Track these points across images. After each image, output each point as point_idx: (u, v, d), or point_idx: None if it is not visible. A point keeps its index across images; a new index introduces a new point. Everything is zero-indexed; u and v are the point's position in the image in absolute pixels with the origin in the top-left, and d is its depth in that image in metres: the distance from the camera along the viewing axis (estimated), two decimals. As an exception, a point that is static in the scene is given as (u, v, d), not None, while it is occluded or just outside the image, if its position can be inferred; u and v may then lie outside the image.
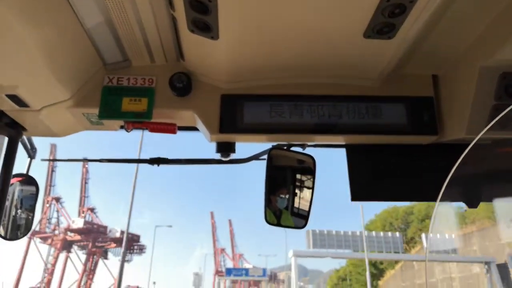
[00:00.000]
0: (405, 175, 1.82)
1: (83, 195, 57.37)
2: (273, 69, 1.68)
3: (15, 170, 1.82)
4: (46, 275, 51.51)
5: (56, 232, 53.60)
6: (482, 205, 1.74)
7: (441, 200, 1.17)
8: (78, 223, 52.88)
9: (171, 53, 1.73)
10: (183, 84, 1.70)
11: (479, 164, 1.51)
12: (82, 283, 53.22)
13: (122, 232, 56.49)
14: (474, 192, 1.73)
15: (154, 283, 57.31)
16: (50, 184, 54.15)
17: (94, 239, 54.33)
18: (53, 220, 54.21)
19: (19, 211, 1.97)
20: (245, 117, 1.71)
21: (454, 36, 1.55)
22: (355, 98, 1.74)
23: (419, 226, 46.81)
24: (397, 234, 40.61)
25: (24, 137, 1.94)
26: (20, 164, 1.90)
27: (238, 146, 1.83)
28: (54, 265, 52.31)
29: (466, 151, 1.14)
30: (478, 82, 1.53)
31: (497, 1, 1.36)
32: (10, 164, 1.77)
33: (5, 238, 1.91)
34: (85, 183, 57.59)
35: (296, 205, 1.76)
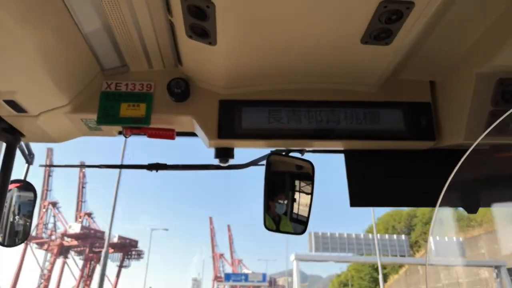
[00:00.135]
0: (403, 181, 1.83)
1: (80, 200, 57.20)
2: (271, 75, 1.70)
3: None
4: (42, 281, 51.23)
5: (53, 237, 53.37)
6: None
7: (440, 205, 1.18)
8: (75, 228, 52.68)
9: (169, 58, 1.74)
10: (181, 90, 1.71)
11: (478, 170, 1.53)
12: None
13: (120, 238, 56.38)
14: (473, 197, 1.74)
15: None
16: (46, 188, 54.01)
17: (91, 245, 54.10)
18: (50, 225, 54.03)
19: (17, 217, 1.97)
20: (243, 122, 1.72)
21: (451, 42, 1.56)
22: (353, 103, 1.75)
23: (423, 229, 46.31)
24: (403, 237, 39.70)
25: (22, 143, 1.95)
26: (17, 170, 1.91)
27: (237, 151, 1.83)
28: (50, 270, 52.04)
29: (465, 156, 1.14)
30: (475, 88, 1.55)
31: (493, 7, 1.38)
32: (8, 170, 1.77)
33: (2, 244, 1.91)
34: (82, 187, 57.45)
35: (295, 210, 1.76)
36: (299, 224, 1.75)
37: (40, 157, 2.14)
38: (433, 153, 1.80)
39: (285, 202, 1.76)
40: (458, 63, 1.64)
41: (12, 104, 1.57)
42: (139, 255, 59.02)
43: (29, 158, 2.05)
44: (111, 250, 56.06)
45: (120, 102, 1.72)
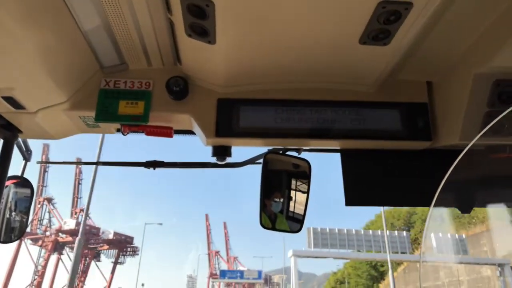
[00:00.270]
0: (399, 180, 1.86)
1: (76, 196, 57.07)
2: (269, 74, 1.71)
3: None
4: (36, 277, 51.12)
5: (48, 233, 53.24)
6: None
7: (435, 205, 1.20)
8: (70, 224, 52.56)
9: (168, 57, 1.75)
10: (179, 88, 1.72)
11: (472, 170, 1.54)
12: (74, 286, 52.90)
13: (115, 234, 56.33)
14: (467, 197, 1.77)
15: (143, 285, 57.00)
16: (42, 184, 53.82)
17: (86, 241, 54.01)
18: (45, 221, 53.89)
19: (13, 213, 1.98)
20: (241, 121, 1.74)
21: (449, 43, 1.58)
22: (351, 103, 1.77)
23: (422, 227, 45.46)
24: (404, 233, 38.85)
25: (20, 140, 1.96)
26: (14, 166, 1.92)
27: (234, 150, 1.85)
28: (44, 267, 51.93)
29: (460, 157, 1.16)
30: (472, 88, 1.57)
31: (491, 8, 1.39)
32: (5, 166, 1.78)
33: None
34: (79, 184, 57.30)
35: (291, 209, 1.78)
36: (295, 222, 1.77)
37: (35, 152, 2.15)
38: (429, 153, 1.82)
39: (282, 200, 1.78)
40: (456, 64, 1.66)
41: (10, 100, 1.58)
42: (135, 251, 59.03)
43: (26, 154, 2.06)
44: (106, 247, 56.09)
45: (118, 99, 1.73)
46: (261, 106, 1.76)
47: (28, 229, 50.89)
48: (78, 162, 2.38)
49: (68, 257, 55.28)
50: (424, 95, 1.81)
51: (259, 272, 55.19)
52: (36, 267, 52.06)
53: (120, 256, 58.25)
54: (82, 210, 55.52)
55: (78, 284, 53.23)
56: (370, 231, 40.41)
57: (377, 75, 1.70)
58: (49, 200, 54.22)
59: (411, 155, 1.83)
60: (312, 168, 1.81)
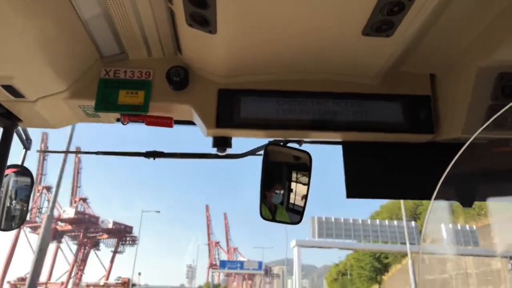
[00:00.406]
0: (400, 173, 1.87)
1: (76, 185, 57.42)
2: (271, 65, 1.72)
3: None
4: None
5: (47, 221, 53.59)
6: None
7: (436, 198, 1.21)
8: (69, 213, 52.98)
9: (168, 46, 1.76)
10: (180, 78, 1.72)
11: (474, 164, 1.56)
12: (73, 274, 53.44)
13: (114, 223, 56.75)
14: (468, 191, 1.78)
15: (140, 273, 57.54)
16: (41, 173, 54.12)
17: (86, 230, 54.47)
18: (44, 210, 54.23)
19: (13, 202, 2.01)
20: (242, 112, 1.74)
21: (453, 36, 1.58)
22: (353, 95, 1.78)
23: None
24: (413, 223, 37.73)
25: (19, 128, 1.97)
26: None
27: (235, 141, 1.86)
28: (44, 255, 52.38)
29: (462, 150, 1.17)
30: (475, 82, 1.57)
31: (496, 1, 1.39)
32: (4, 155, 1.80)
33: None
34: (78, 173, 57.60)
35: (291, 200, 1.80)
36: (295, 214, 1.79)
37: (34, 141, 2.17)
38: (431, 146, 1.83)
39: (282, 192, 1.80)
40: (460, 57, 1.66)
41: (10, 89, 1.59)
42: (134, 241, 59.54)
43: (26, 143, 2.08)
44: (105, 236, 56.57)
45: (118, 89, 1.74)
46: (262, 97, 1.77)
47: (27, 217, 51.25)
48: (78, 152, 2.39)
49: (67, 246, 55.84)
50: (427, 87, 1.81)
51: (260, 263, 55.53)
52: (35, 255, 52.55)
53: (120, 245, 58.80)
54: (81, 199, 55.98)
55: (77, 273, 53.82)
56: (377, 221, 39.72)
57: (379, 67, 1.70)
58: (48, 189, 54.53)
59: (413, 148, 1.83)
60: (313, 160, 1.82)
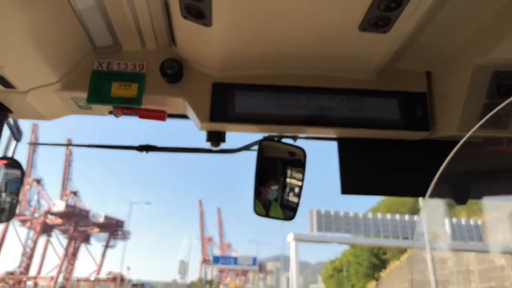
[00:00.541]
0: (395, 170, 1.89)
1: (66, 178, 57.14)
2: (266, 59, 1.72)
3: None
4: (24, 259, 51.48)
5: (36, 215, 53.44)
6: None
7: (430, 196, 1.23)
8: (59, 206, 52.75)
9: (163, 38, 1.75)
10: (174, 71, 1.72)
11: (469, 162, 1.58)
12: (63, 269, 53.37)
13: (106, 217, 56.64)
14: (463, 189, 1.81)
15: (128, 268, 57.57)
16: (31, 165, 53.77)
17: (76, 223, 54.31)
18: (33, 203, 54.04)
19: (3, 195, 2.00)
20: (236, 106, 1.75)
21: (450, 33, 1.59)
22: (348, 91, 1.79)
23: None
24: (415, 217, 37.22)
25: (10, 119, 1.97)
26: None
27: (229, 136, 1.87)
28: (33, 249, 52.26)
29: (456, 148, 1.19)
30: (471, 80, 1.59)
31: None
32: None
33: None
34: (69, 165, 57.30)
35: (285, 196, 1.82)
36: (289, 210, 1.81)
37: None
38: (426, 143, 1.85)
39: (276, 188, 1.81)
40: (456, 55, 1.68)
41: (1, 79, 1.58)
42: (126, 235, 59.53)
43: (17, 135, 2.07)
44: (96, 230, 56.47)
45: (111, 81, 1.74)
46: (257, 91, 1.77)
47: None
48: (69, 144, 2.38)
49: (57, 240, 55.67)
50: (423, 85, 1.83)
51: (254, 259, 55.62)
52: (24, 249, 52.38)
53: (111, 239, 58.76)
54: (72, 192, 55.76)
55: (67, 267, 53.74)
56: (379, 215, 38.96)
57: (376, 63, 1.72)
58: (38, 181, 54.27)
59: (408, 145, 1.85)
60: (307, 156, 1.84)
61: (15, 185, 2.03)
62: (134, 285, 50.11)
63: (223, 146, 1.88)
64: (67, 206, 53.40)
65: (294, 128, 1.79)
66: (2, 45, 1.43)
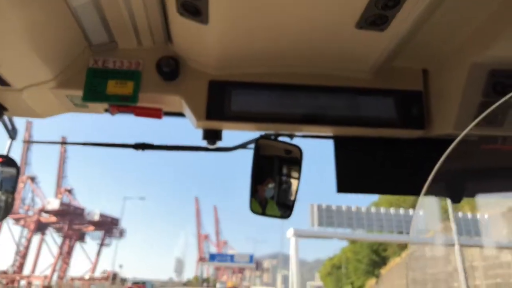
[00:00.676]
0: (391, 168, 1.90)
1: (61, 176, 56.96)
2: (263, 57, 1.73)
3: None
4: (18, 258, 51.35)
5: (30, 213, 53.30)
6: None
7: (425, 194, 1.24)
8: (54, 204, 52.63)
9: (159, 35, 1.76)
10: (170, 69, 1.73)
11: (464, 160, 1.59)
12: (57, 267, 53.29)
13: (101, 215, 56.55)
14: (458, 187, 1.83)
15: (121, 266, 57.53)
16: (25, 162, 53.54)
17: (71, 221, 54.21)
18: (28, 201, 53.87)
19: None
20: (233, 104, 1.76)
21: (447, 31, 1.61)
22: (345, 89, 1.80)
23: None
24: (421, 212, 36.56)
25: (5, 117, 1.97)
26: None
27: (225, 134, 1.88)
28: (27, 247, 52.12)
29: (452, 146, 1.20)
30: (467, 78, 1.60)
31: None
32: None
33: None
34: (63, 162, 57.12)
35: (282, 194, 1.84)
36: (285, 208, 1.83)
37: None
38: (423, 142, 1.86)
39: (272, 186, 1.83)
40: (453, 53, 1.69)
41: None
42: (121, 233, 59.48)
43: (12, 133, 2.07)
44: (91, 228, 56.41)
45: (107, 79, 1.74)
46: (254, 89, 1.78)
47: (9, 208, 50.59)
48: (64, 142, 2.39)
49: (52, 238, 55.52)
50: (419, 83, 1.84)
51: (251, 256, 55.53)
52: (17, 247, 52.23)
53: (106, 237, 58.70)
54: (67, 190, 55.64)
55: (62, 266, 53.65)
56: (382, 209, 38.11)
57: (373, 61, 1.73)
58: (32, 179, 54.09)
59: (404, 144, 1.87)
60: (303, 154, 1.85)
61: (10, 184, 2.03)
62: (135, 283, 50.16)
63: (219, 144, 1.89)
64: (62, 204, 53.28)
65: (290, 126, 1.80)
66: None
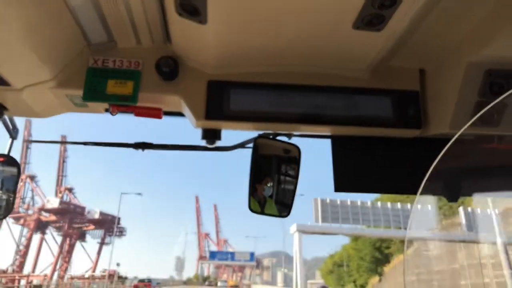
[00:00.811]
0: (388, 168, 1.92)
1: (61, 174, 57.00)
2: (261, 57, 1.75)
3: None
4: (18, 257, 51.40)
5: (30, 211, 53.35)
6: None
7: (422, 193, 1.26)
8: (53, 203, 52.66)
9: (158, 35, 1.77)
10: (169, 69, 1.74)
11: (460, 159, 1.61)
12: (58, 266, 53.37)
13: (101, 214, 56.57)
14: (454, 186, 1.84)
15: (118, 264, 57.67)
16: (24, 161, 53.57)
17: (71, 220, 54.26)
18: (27, 200, 53.92)
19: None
20: (231, 104, 1.77)
21: (443, 31, 1.62)
22: (343, 89, 1.82)
23: (438, 204, 42.45)
24: (429, 206, 34.83)
25: (6, 117, 1.99)
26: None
27: (224, 133, 1.90)
28: (27, 246, 52.17)
29: (448, 146, 1.22)
30: (464, 78, 1.62)
31: None
32: None
33: None
34: (63, 161, 57.14)
35: (280, 193, 1.85)
36: (284, 207, 1.85)
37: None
38: (419, 141, 1.88)
39: (271, 185, 1.85)
40: (449, 52, 1.70)
41: None
42: (121, 232, 59.53)
43: (13, 132, 2.09)
44: (91, 227, 56.47)
45: (107, 78, 1.75)
46: (252, 89, 1.80)
47: (9, 207, 50.47)
48: (65, 142, 2.40)
49: (52, 237, 55.58)
50: (416, 82, 1.86)
51: (251, 254, 55.38)
52: (17, 246, 52.29)
53: (107, 236, 58.76)
54: (67, 189, 55.67)
55: (62, 265, 53.72)
56: (388, 204, 37.39)
57: (369, 61, 1.75)
58: (32, 178, 54.11)
59: (401, 143, 1.88)
60: (301, 153, 1.87)
61: (11, 182, 2.05)
62: (141, 280, 50.19)
63: (218, 143, 1.91)
64: (62, 202, 53.34)
65: (288, 126, 1.82)
66: None
